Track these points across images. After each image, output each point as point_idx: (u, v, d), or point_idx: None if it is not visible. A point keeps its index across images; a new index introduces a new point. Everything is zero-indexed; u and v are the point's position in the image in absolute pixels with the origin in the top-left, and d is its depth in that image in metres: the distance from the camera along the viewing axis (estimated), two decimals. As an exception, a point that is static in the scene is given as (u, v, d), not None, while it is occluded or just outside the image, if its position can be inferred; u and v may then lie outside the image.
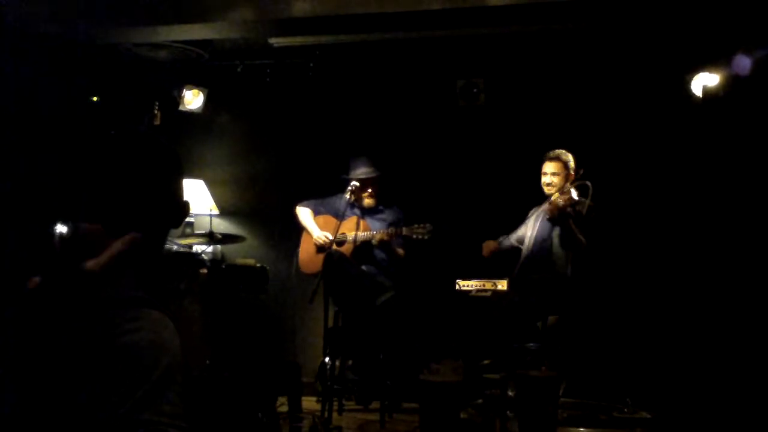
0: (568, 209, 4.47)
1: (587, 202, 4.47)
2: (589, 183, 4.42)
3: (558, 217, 4.56)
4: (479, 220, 5.24)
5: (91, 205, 1.50)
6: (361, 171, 5.12)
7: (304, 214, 5.32)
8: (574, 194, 4.44)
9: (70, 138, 5.07)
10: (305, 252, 5.26)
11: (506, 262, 4.92)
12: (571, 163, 4.74)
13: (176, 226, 1.56)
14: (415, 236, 4.82)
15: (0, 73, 4.58)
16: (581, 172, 4.55)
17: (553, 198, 4.62)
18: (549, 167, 4.75)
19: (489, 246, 4.96)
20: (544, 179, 4.76)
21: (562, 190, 4.59)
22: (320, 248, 5.13)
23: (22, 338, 1.40)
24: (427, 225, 4.80)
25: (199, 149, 6.09)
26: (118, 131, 1.52)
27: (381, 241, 4.98)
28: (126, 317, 1.35)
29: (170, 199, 1.55)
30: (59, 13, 4.67)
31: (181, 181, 1.58)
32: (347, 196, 4.98)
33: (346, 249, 5.04)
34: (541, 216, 4.78)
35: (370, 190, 5.17)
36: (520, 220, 4.98)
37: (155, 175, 1.52)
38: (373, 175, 5.14)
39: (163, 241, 1.57)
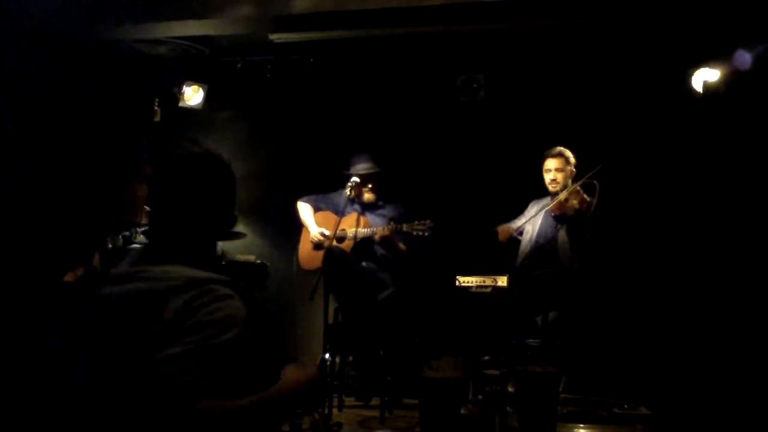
0: (583, 207, 4.47)
1: (594, 201, 4.48)
2: (596, 182, 4.43)
3: (570, 217, 4.56)
4: (479, 216, 5.23)
5: (157, 218, 1.80)
6: (362, 167, 5.12)
7: (304, 209, 5.33)
8: (586, 197, 4.46)
9: (71, 134, 5.07)
10: (305, 248, 5.27)
11: (506, 256, 4.92)
12: (572, 160, 4.75)
13: (225, 237, 1.83)
14: (415, 233, 4.82)
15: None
16: (589, 174, 4.55)
17: (561, 197, 4.62)
18: (553, 164, 4.75)
19: (506, 231, 4.92)
20: (549, 176, 4.75)
21: (569, 189, 4.59)
22: (317, 245, 5.14)
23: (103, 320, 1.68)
24: (428, 222, 4.80)
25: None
26: (186, 152, 1.80)
27: (382, 237, 4.98)
28: (214, 294, 1.65)
29: (224, 214, 1.84)
30: (58, 9, 4.67)
31: (235, 198, 1.86)
32: (347, 192, 4.98)
33: (347, 245, 5.04)
34: (544, 211, 4.78)
35: (370, 186, 5.16)
36: (513, 213, 4.98)
37: (215, 195, 1.82)
38: (373, 170, 5.13)
39: (214, 248, 1.89)
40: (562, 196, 4.62)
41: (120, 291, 1.71)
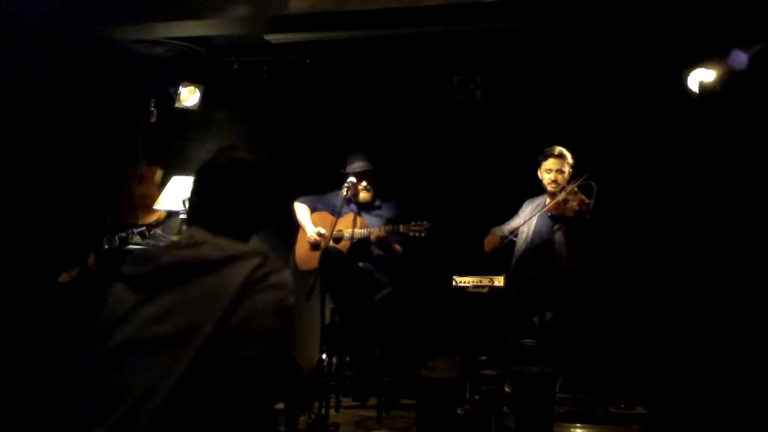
0: (582, 209, 4.46)
1: (591, 202, 4.48)
2: (594, 184, 4.43)
3: (570, 220, 4.55)
4: (476, 216, 5.24)
5: (200, 215, 2.05)
6: (357, 165, 5.13)
7: (300, 210, 5.33)
8: (584, 197, 4.46)
9: (68, 135, 5.07)
10: (302, 249, 5.27)
11: (502, 256, 4.92)
12: (571, 160, 4.75)
13: (259, 230, 2.17)
14: (412, 234, 4.82)
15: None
16: (586, 175, 4.54)
17: (560, 197, 4.61)
18: (554, 164, 4.72)
19: (492, 242, 4.91)
20: (549, 176, 4.73)
21: (568, 190, 4.58)
22: (314, 245, 5.14)
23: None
24: (424, 223, 4.80)
25: (196, 146, 6.07)
26: (234, 157, 2.12)
27: (378, 238, 4.98)
28: (275, 263, 1.94)
29: (258, 213, 2.14)
30: (56, 9, 4.67)
31: (267, 199, 2.16)
32: (344, 192, 4.98)
33: (343, 246, 5.04)
34: (540, 210, 4.77)
35: (365, 184, 5.16)
36: (507, 213, 4.99)
37: (252, 197, 2.13)
38: (368, 168, 5.14)
39: (248, 240, 2.13)
40: (561, 196, 4.62)
41: (179, 255, 1.94)
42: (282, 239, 5.63)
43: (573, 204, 4.51)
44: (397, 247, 5.10)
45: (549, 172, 4.74)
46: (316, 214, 5.31)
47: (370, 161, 5.15)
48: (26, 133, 4.74)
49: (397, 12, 4.37)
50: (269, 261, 1.95)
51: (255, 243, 5.90)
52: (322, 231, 5.08)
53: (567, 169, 4.72)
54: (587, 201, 4.49)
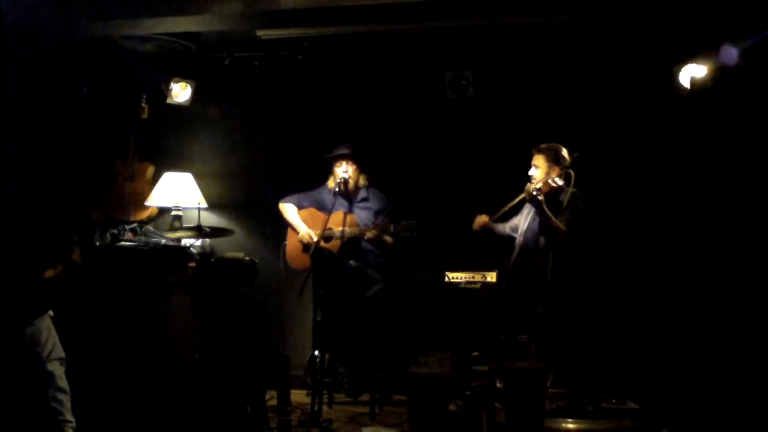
0: (541, 196, 4.47)
1: (570, 189, 4.49)
2: (571, 171, 4.44)
3: (530, 200, 4.57)
4: (468, 213, 5.23)
5: None
6: (338, 149, 5.15)
7: (289, 210, 5.31)
8: (557, 181, 4.47)
9: (63, 131, 5.06)
10: (293, 248, 5.26)
11: (499, 252, 4.92)
12: (562, 153, 4.73)
13: None
14: (403, 234, 4.81)
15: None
16: (574, 155, 4.56)
17: (527, 187, 4.65)
18: (533, 160, 4.77)
19: (481, 220, 4.92)
20: (530, 172, 4.78)
21: (541, 178, 4.61)
22: (306, 246, 5.12)
23: None
24: (414, 222, 4.80)
25: (187, 142, 6.07)
26: None
27: (371, 239, 4.99)
28: None
29: None
30: (45, 5, 4.65)
31: None
32: (330, 183, 5.03)
33: (334, 245, 5.04)
34: (532, 208, 4.79)
35: (344, 167, 5.14)
36: (509, 212, 4.99)
37: None
38: (347, 152, 5.14)
39: None
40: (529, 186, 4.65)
41: None
42: (274, 236, 5.62)
43: (529, 187, 4.56)
44: (388, 238, 5.09)
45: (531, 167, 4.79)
46: (304, 211, 5.30)
47: (351, 147, 5.16)
48: (13, 130, 4.73)
49: (389, 7, 4.37)
50: None
51: (248, 243, 5.94)
52: (314, 236, 5.07)
53: (546, 164, 4.72)
54: (556, 186, 4.53)
